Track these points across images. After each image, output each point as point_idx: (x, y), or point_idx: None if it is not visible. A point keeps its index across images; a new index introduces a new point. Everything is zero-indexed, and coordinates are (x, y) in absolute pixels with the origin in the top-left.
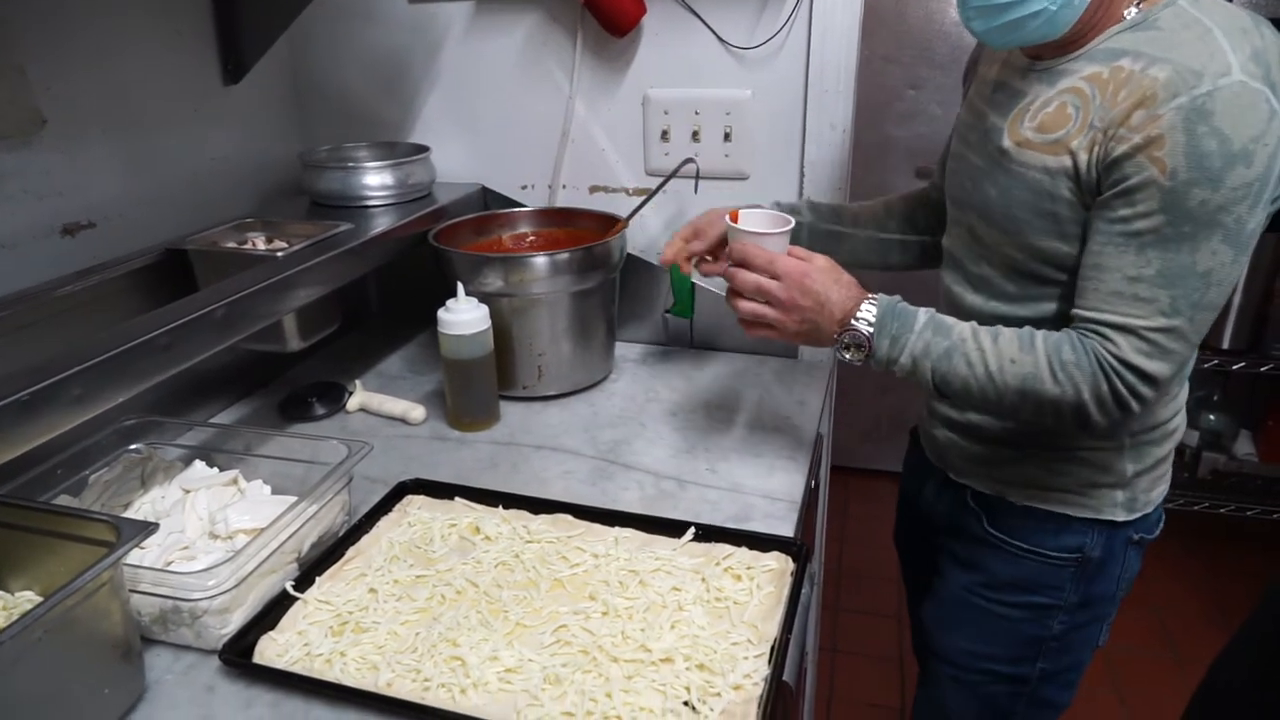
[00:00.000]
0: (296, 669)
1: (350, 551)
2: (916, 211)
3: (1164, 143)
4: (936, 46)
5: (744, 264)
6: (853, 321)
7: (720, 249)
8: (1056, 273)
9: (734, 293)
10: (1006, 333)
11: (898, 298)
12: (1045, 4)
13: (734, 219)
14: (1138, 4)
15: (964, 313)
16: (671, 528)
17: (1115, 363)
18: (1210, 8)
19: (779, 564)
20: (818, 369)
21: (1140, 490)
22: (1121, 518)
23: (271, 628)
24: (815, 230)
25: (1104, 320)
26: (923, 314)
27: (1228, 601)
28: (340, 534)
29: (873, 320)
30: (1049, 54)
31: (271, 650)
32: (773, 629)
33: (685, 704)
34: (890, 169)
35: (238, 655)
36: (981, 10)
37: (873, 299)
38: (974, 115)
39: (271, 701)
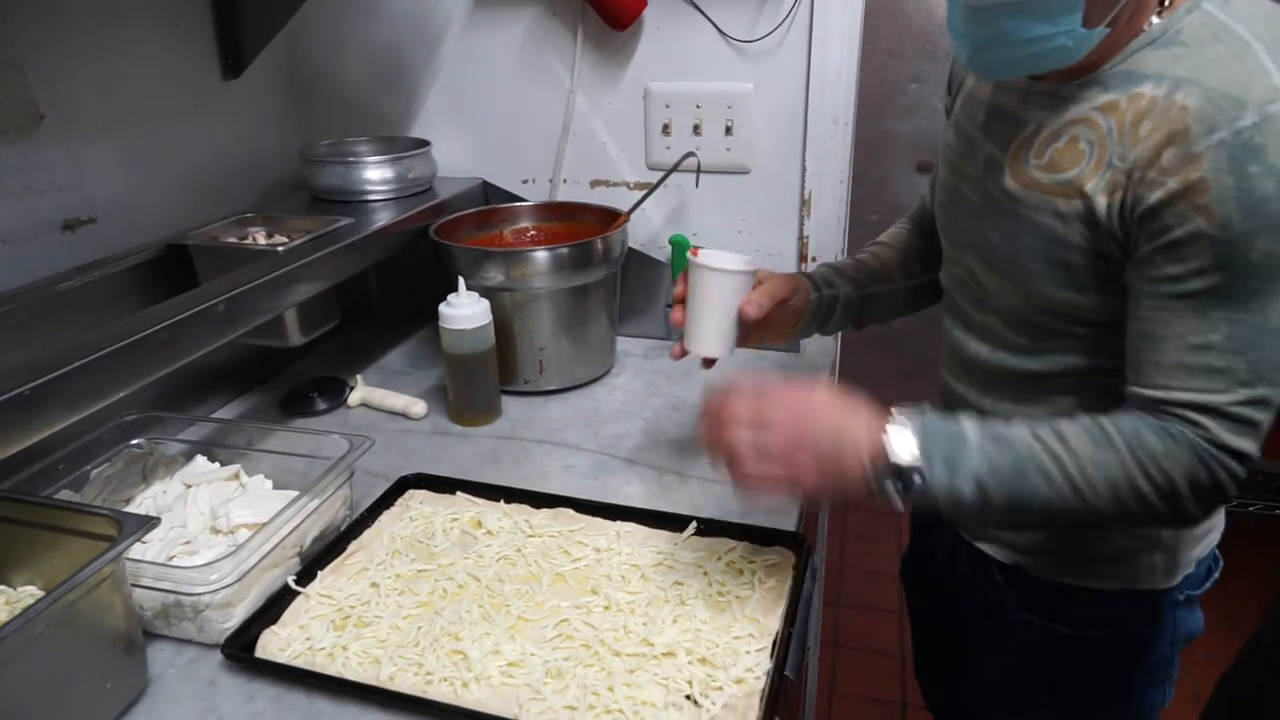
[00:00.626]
0: (299, 663)
1: (352, 546)
2: (934, 241)
3: (1208, 187)
4: (938, 40)
5: (722, 419)
6: (888, 452)
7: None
8: (1071, 326)
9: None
10: (1072, 428)
11: (925, 406)
12: (1061, 40)
13: (695, 255)
14: (1158, 12)
15: (967, 361)
16: (673, 522)
17: (1210, 448)
18: (1245, 11)
19: (781, 558)
20: (820, 364)
21: (1181, 552)
22: (1162, 585)
23: (274, 622)
24: (850, 300)
25: (1179, 400)
26: (968, 424)
27: (1231, 599)
28: (342, 528)
29: (916, 447)
30: (1055, 75)
31: (274, 644)
32: (775, 623)
33: (687, 698)
34: (892, 162)
35: (240, 649)
36: (982, 45)
37: (901, 417)
38: (965, 142)
39: (274, 695)
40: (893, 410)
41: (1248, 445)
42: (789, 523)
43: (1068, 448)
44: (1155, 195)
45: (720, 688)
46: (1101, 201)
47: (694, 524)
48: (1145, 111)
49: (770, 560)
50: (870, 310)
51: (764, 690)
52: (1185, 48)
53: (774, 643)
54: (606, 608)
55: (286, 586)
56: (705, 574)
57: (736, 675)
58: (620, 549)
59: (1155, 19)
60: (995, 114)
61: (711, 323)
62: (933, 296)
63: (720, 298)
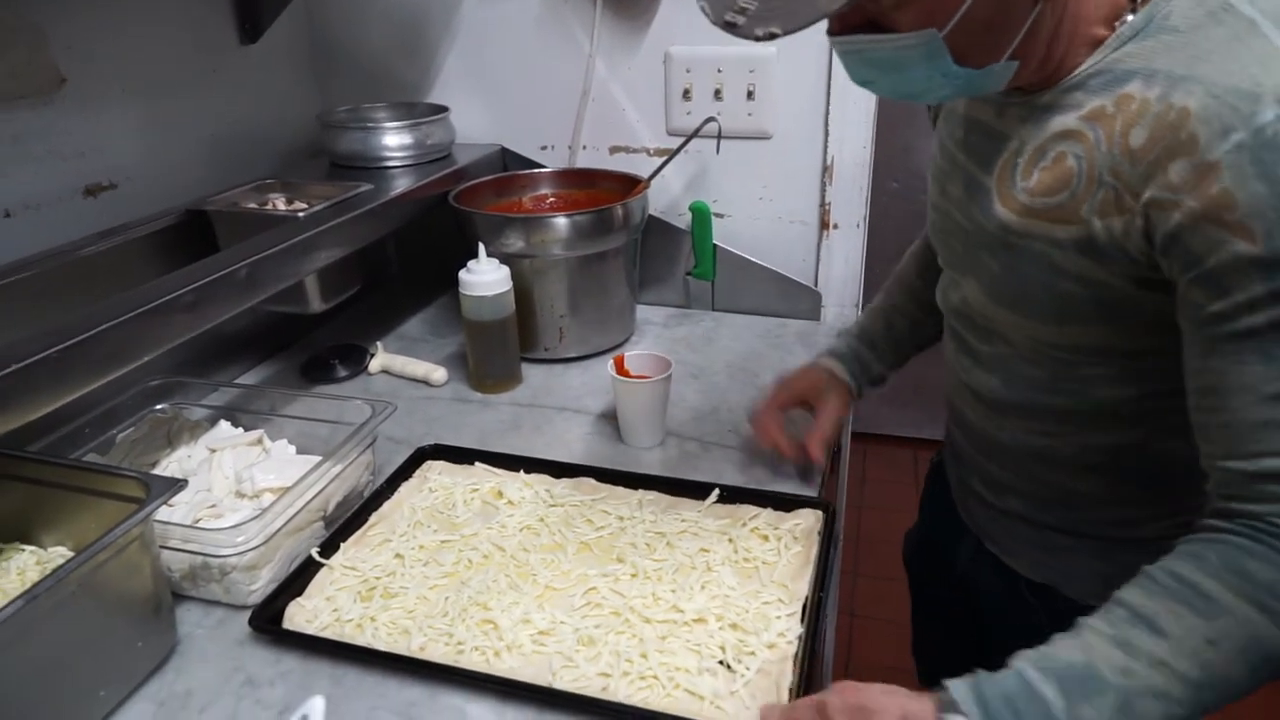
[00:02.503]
0: (327, 634)
1: (373, 518)
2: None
3: (1235, 201)
4: None
5: None
6: None
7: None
8: (1093, 357)
9: None
10: (1163, 605)
11: (970, 681)
12: (943, 82)
13: (619, 363)
14: (1131, 9)
15: (977, 392)
16: (695, 490)
17: None
18: None
19: (806, 523)
20: (839, 330)
21: None
22: None
23: (299, 594)
24: (889, 375)
25: (1266, 470)
26: (1044, 686)
27: None
28: (365, 494)
29: None
30: (1027, 84)
31: (301, 616)
32: (803, 588)
33: (721, 663)
34: (915, 130)
35: (267, 621)
36: (870, 80)
37: (954, 708)
38: (947, 160)
39: (301, 656)
40: (937, 697)
41: None
42: (811, 489)
43: (1165, 637)
44: (1173, 219)
45: (753, 653)
46: (1098, 224)
47: (716, 491)
48: (1136, 116)
49: (795, 525)
50: (905, 360)
51: (797, 654)
52: (1176, 34)
53: (803, 607)
54: (634, 575)
55: (310, 559)
56: (730, 540)
57: (768, 640)
58: (644, 517)
59: (1129, 15)
60: (973, 129)
61: (640, 423)
62: None
63: (645, 403)
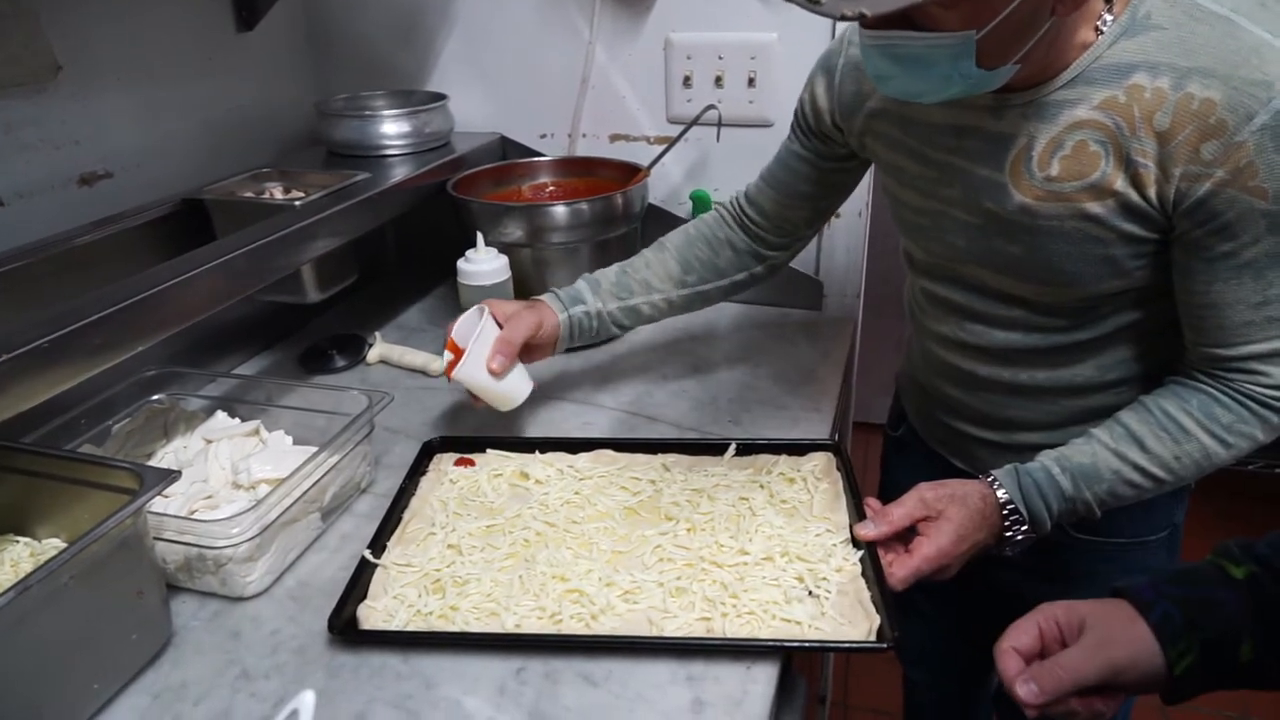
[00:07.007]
0: (414, 628)
1: (405, 515)
2: (723, 251)
3: (1256, 170)
4: None
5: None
6: (1010, 542)
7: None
8: (1112, 301)
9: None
10: (1148, 430)
11: (1010, 470)
12: (958, 80)
13: (451, 347)
14: (1109, 10)
15: (992, 353)
16: (711, 449)
17: (1275, 392)
18: None
19: (821, 464)
20: (842, 321)
21: None
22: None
23: (364, 597)
24: (608, 314)
25: (1245, 354)
26: (1057, 471)
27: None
28: (363, 486)
29: (1026, 532)
30: (1021, 83)
31: (376, 618)
32: (843, 518)
33: (810, 593)
34: None
35: (344, 627)
36: (889, 76)
37: (1011, 507)
38: (934, 168)
39: (296, 649)
40: (1006, 507)
41: None
42: (821, 433)
43: (1148, 452)
44: (1204, 187)
45: (825, 578)
46: (1135, 196)
47: (734, 445)
48: (1154, 105)
49: (814, 468)
50: (635, 318)
51: (864, 573)
52: (1163, 30)
53: (851, 533)
54: (690, 529)
55: (363, 561)
56: (762, 487)
57: (836, 565)
58: (674, 477)
59: (1108, 15)
60: (964, 134)
61: (497, 395)
62: (708, 300)
63: (484, 383)
